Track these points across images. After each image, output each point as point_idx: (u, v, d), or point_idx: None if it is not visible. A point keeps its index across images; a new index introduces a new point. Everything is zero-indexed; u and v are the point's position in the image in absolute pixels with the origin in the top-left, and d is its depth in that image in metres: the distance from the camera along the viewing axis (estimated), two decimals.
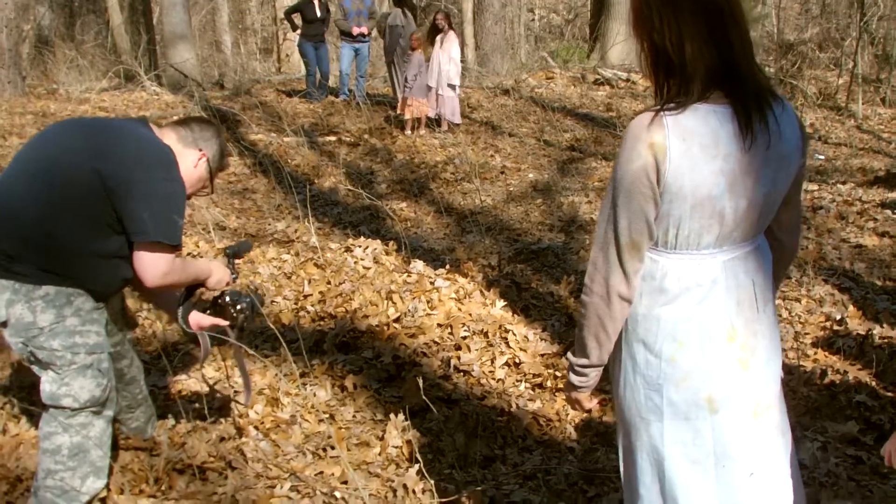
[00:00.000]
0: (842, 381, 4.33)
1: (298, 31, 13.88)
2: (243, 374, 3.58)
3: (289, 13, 14.06)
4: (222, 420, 3.80)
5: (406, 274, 5.51)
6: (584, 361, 2.17)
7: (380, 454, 3.70)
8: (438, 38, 12.22)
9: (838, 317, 5.13)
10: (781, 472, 2.20)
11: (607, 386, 2.29)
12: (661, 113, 1.94)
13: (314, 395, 4.15)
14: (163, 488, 3.30)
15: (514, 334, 4.70)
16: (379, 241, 6.23)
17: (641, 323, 2.09)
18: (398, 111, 12.50)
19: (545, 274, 6.24)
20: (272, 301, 5.24)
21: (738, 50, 1.95)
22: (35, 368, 2.90)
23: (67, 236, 2.79)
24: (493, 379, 4.37)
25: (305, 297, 5.30)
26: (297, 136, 11.01)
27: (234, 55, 23.08)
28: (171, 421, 3.70)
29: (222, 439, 3.63)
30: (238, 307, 3.33)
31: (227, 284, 3.27)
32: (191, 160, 3.05)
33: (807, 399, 4.21)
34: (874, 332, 4.82)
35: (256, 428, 3.77)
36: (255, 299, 3.38)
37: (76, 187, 2.76)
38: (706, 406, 2.08)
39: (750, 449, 2.13)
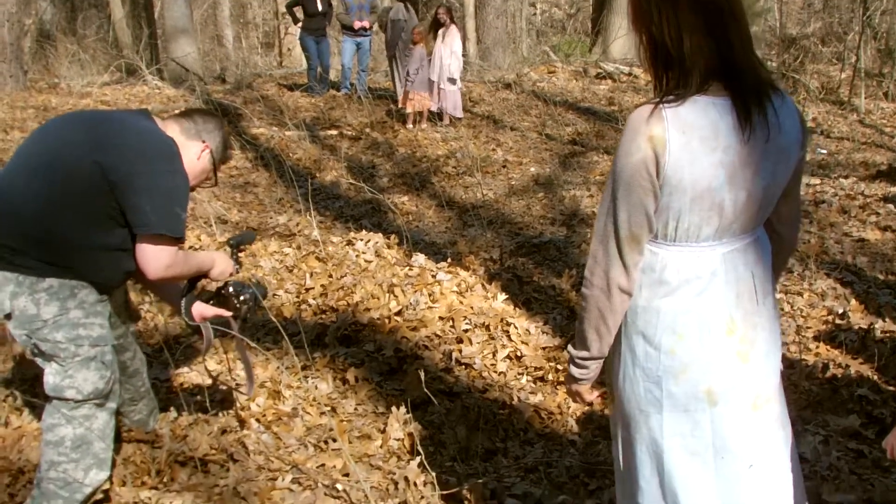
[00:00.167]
0: (843, 374, 4.33)
1: (300, 25, 13.87)
2: (246, 367, 3.58)
3: (290, 7, 14.05)
4: (224, 413, 3.81)
5: (408, 267, 5.52)
6: (584, 354, 2.18)
7: (381, 447, 3.70)
8: (440, 32, 12.23)
9: (840, 311, 5.13)
10: (781, 465, 2.20)
11: (608, 379, 2.30)
12: (661, 105, 1.94)
13: (316, 387, 4.16)
14: (165, 480, 3.31)
15: (516, 327, 4.70)
16: (381, 235, 6.24)
17: (641, 315, 2.10)
18: (400, 105, 12.50)
19: (547, 267, 6.24)
20: (274, 294, 5.24)
21: (737, 43, 1.95)
22: (39, 360, 2.90)
23: (70, 230, 2.79)
24: (495, 372, 4.37)
25: (307, 290, 5.31)
26: (299, 130, 11.01)
27: (235, 49, 23.05)
28: (173, 413, 3.71)
29: (224, 432, 3.63)
30: (241, 298, 3.33)
31: (231, 275, 3.27)
32: (194, 152, 3.04)
33: (808, 393, 4.21)
34: (876, 326, 4.83)
35: (258, 420, 3.78)
36: (257, 291, 3.38)
37: (78, 181, 2.76)
38: (705, 398, 2.08)
39: (749, 441, 2.13)
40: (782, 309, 5.22)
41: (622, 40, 16.73)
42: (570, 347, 2.24)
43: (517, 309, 5.09)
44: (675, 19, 1.93)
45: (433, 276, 5.26)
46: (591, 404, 3.17)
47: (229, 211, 8.14)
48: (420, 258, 5.64)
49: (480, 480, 3.44)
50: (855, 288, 5.58)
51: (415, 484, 3.38)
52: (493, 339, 4.61)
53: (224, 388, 3.99)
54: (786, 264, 2.45)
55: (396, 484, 3.40)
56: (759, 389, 2.14)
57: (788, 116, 2.03)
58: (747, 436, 2.13)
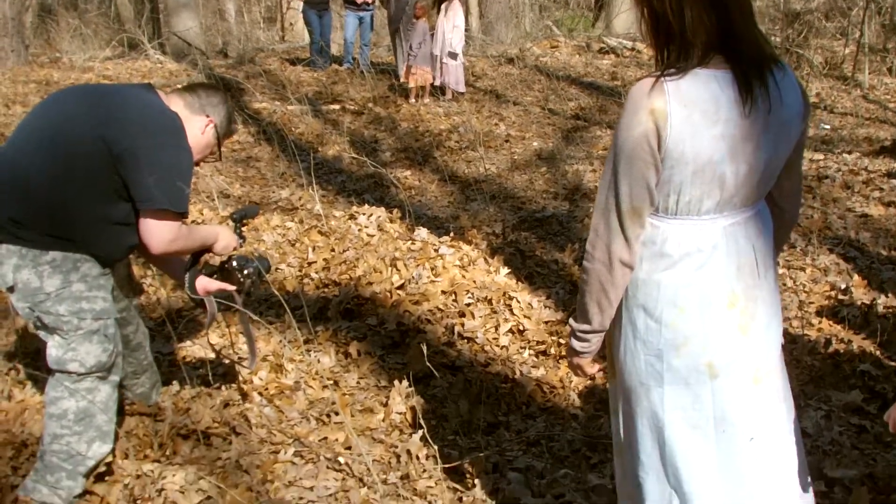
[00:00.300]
0: (846, 350, 4.33)
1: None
2: (249, 340, 3.58)
3: None
4: (227, 386, 3.82)
5: (410, 241, 5.52)
6: (585, 327, 2.18)
7: (383, 420, 3.72)
8: (443, 6, 12.17)
9: (843, 286, 5.13)
10: (782, 438, 2.20)
11: (609, 352, 2.30)
12: (662, 79, 1.93)
13: (318, 361, 4.17)
14: (167, 453, 3.33)
15: (518, 301, 4.71)
16: (383, 209, 6.23)
17: (641, 288, 2.10)
18: (402, 80, 12.46)
19: (549, 242, 6.25)
20: (277, 268, 5.25)
21: (738, 15, 1.93)
22: (41, 334, 2.91)
23: (73, 204, 2.78)
24: (497, 346, 4.38)
25: (310, 264, 5.31)
26: (301, 105, 10.98)
27: (237, 24, 22.89)
28: (175, 387, 3.72)
29: (227, 405, 3.65)
30: (245, 272, 3.34)
31: (234, 249, 3.27)
32: (198, 126, 3.03)
33: (811, 368, 4.21)
34: (879, 301, 4.83)
35: (261, 394, 3.79)
36: (260, 265, 3.38)
37: (81, 155, 2.75)
38: (706, 371, 2.09)
39: (750, 414, 2.14)
40: (784, 284, 5.22)
41: (625, 15, 16.65)
42: (571, 321, 2.24)
43: (519, 283, 5.09)
44: None
45: (435, 251, 5.26)
46: (592, 378, 3.18)
47: (232, 185, 8.13)
48: (422, 232, 5.64)
49: (482, 454, 3.46)
50: (858, 263, 5.58)
51: (417, 457, 3.40)
52: (495, 313, 4.62)
53: (227, 361, 4.00)
54: (787, 239, 2.44)
55: (398, 457, 3.42)
56: (760, 363, 2.14)
57: (790, 89, 2.03)
58: (748, 409, 2.13)
